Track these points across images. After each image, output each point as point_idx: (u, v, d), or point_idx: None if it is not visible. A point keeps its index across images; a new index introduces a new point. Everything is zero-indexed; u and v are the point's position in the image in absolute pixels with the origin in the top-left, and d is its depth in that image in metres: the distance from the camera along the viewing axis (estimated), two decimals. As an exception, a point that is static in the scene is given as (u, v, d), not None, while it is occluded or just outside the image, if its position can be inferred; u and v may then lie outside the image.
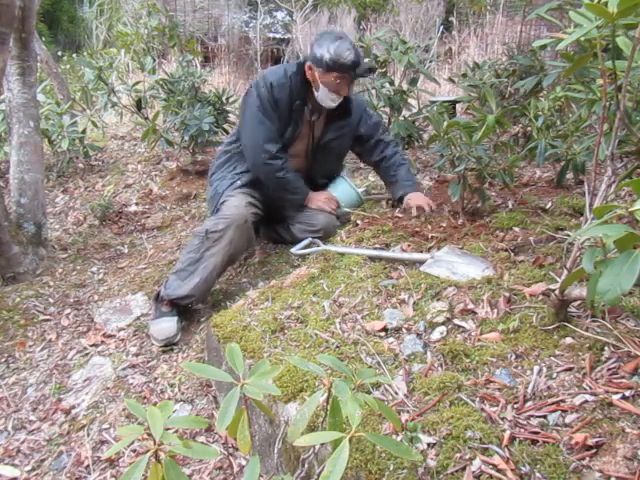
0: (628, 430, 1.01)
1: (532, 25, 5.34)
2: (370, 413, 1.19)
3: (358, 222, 2.33)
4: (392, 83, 3.29)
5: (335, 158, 2.58)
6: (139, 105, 3.75)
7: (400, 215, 2.28)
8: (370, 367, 1.37)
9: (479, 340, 1.40)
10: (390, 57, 3.12)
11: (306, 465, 1.00)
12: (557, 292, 1.31)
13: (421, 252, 1.89)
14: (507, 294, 1.54)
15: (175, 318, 2.10)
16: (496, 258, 1.75)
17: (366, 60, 2.46)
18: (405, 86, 3.29)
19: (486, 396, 1.20)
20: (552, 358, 1.27)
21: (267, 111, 2.26)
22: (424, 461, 1.04)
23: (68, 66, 6.74)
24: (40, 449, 1.69)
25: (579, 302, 1.39)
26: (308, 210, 2.44)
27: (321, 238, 2.27)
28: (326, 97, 2.25)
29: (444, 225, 2.15)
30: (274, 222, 2.58)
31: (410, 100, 3.35)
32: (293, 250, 2.12)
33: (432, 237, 2.07)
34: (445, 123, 1.97)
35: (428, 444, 1.09)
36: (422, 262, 1.81)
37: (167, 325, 2.07)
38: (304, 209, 2.45)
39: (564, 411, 1.11)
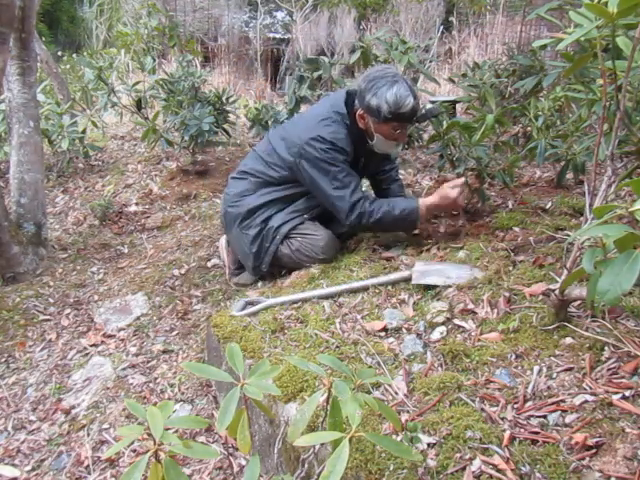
0: (628, 430, 1.01)
1: (532, 25, 5.34)
2: (370, 413, 1.19)
3: None
4: (392, 83, 3.28)
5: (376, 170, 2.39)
6: (139, 105, 3.75)
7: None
8: (370, 367, 1.37)
9: (479, 340, 1.40)
10: (390, 57, 3.12)
11: (306, 465, 1.00)
12: (557, 292, 1.31)
13: (395, 270, 1.84)
14: (507, 294, 1.54)
15: None
16: (496, 258, 1.75)
17: (431, 105, 2.22)
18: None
19: (486, 396, 1.20)
20: (552, 358, 1.27)
21: (336, 160, 2.01)
22: (424, 461, 1.04)
23: (68, 66, 6.74)
24: (40, 449, 1.69)
25: (579, 302, 1.39)
26: None
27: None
28: (383, 145, 2.06)
29: (444, 225, 2.15)
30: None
31: (410, 100, 3.34)
32: (234, 313, 1.82)
33: (431, 238, 2.07)
34: (445, 123, 1.97)
35: (428, 444, 1.09)
36: (403, 280, 1.75)
37: None
38: None
39: (564, 411, 1.11)
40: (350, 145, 2.04)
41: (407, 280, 1.74)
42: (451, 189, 1.97)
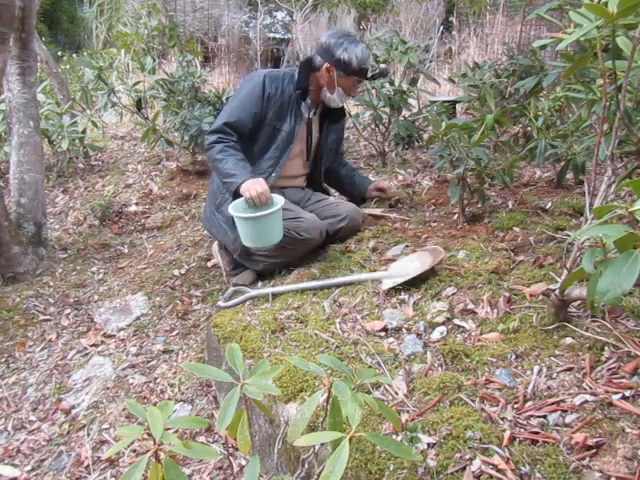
0: (628, 430, 1.01)
1: (532, 25, 5.34)
2: (370, 413, 1.19)
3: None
4: (392, 83, 3.28)
5: (332, 159, 2.54)
6: (139, 105, 3.75)
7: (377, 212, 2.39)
8: (370, 367, 1.37)
9: (479, 340, 1.40)
10: (390, 57, 3.12)
11: (306, 465, 1.00)
12: (557, 292, 1.31)
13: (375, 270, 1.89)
14: (507, 294, 1.54)
15: None
16: (496, 257, 1.75)
17: (382, 65, 2.44)
18: (405, 86, 3.29)
19: (486, 396, 1.20)
20: (552, 358, 1.27)
21: (256, 95, 2.18)
22: (424, 461, 1.04)
23: (68, 66, 6.74)
24: (40, 449, 1.69)
25: (579, 302, 1.39)
26: (326, 202, 2.38)
27: (346, 227, 2.24)
28: (339, 98, 2.23)
29: (444, 225, 2.15)
30: None
31: (410, 100, 3.34)
32: (221, 304, 1.87)
33: (431, 238, 2.07)
34: (444, 124, 1.97)
35: (428, 444, 1.09)
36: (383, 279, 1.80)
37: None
38: (321, 202, 2.38)
39: (564, 411, 1.11)
40: (282, 94, 2.21)
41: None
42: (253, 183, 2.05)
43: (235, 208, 1.96)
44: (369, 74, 2.21)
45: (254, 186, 2.00)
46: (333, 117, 2.39)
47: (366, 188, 2.52)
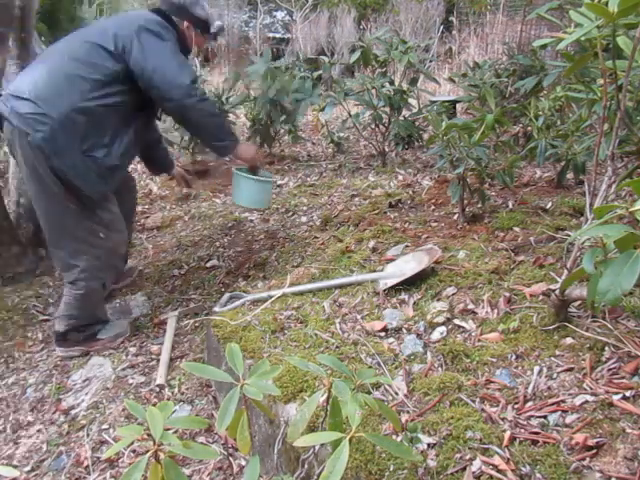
0: (629, 430, 1.01)
1: (532, 25, 5.34)
2: (370, 413, 1.19)
3: (358, 222, 2.33)
4: (392, 83, 3.29)
5: None
6: (139, 105, 3.74)
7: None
8: (370, 367, 1.37)
9: (479, 340, 1.40)
10: (390, 57, 3.12)
11: (306, 465, 1.00)
12: (557, 292, 1.31)
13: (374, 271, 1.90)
14: (507, 294, 1.53)
15: None
16: (497, 257, 1.75)
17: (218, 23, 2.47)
18: (405, 86, 3.29)
19: (486, 396, 1.19)
20: (552, 358, 1.26)
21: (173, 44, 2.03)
22: (424, 461, 1.04)
23: (68, 66, 6.73)
24: (39, 449, 1.69)
25: (579, 302, 1.39)
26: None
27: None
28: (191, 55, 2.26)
29: (444, 225, 2.15)
30: None
31: (410, 100, 3.34)
32: (216, 309, 1.90)
33: (431, 238, 2.07)
34: (444, 124, 1.97)
35: (428, 444, 1.09)
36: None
37: None
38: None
39: (564, 411, 1.11)
40: None
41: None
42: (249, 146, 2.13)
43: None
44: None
45: (252, 149, 2.12)
46: None
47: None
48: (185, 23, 2.11)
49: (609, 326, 1.29)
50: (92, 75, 1.88)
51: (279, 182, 3.42)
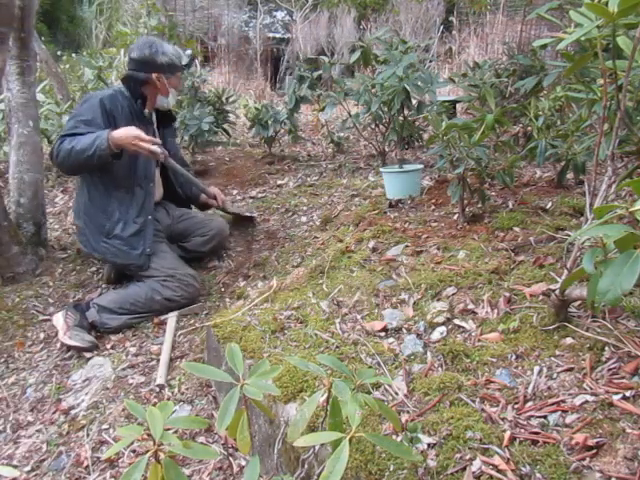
0: (629, 430, 1.01)
1: (532, 25, 5.34)
2: (370, 413, 1.19)
3: (358, 223, 2.33)
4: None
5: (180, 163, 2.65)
6: (139, 105, 3.74)
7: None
8: (370, 367, 1.37)
9: (479, 340, 1.40)
10: (390, 57, 3.11)
11: (306, 465, 1.00)
12: (557, 292, 1.31)
13: None
14: (507, 294, 1.53)
15: None
16: (497, 257, 1.75)
17: (188, 52, 2.63)
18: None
19: (486, 396, 1.19)
20: (552, 358, 1.26)
21: (96, 114, 2.19)
22: (424, 461, 1.04)
23: (67, 66, 6.73)
24: (39, 449, 1.69)
25: (579, 302, 1.39)
26: (196, 219, 2.56)
27: (216, 246, 2.56)
28: (173, 98, 2.41)
29: (444, 225, 2.15)
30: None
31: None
32: None
33: (431, 238, 2.07)
34: (444, 124, 1.97)
35: (428, 444, 1.09)
36: None
37: None
38: (191, 220, 2.55)
39: (564, 411, 1.11)
40: (122, 108, 2.26)
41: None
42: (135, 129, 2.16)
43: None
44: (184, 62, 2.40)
45: (132, 133, 2.11)
46: (166, 121, 2.55)
47: (198, 196, 2.71)
48: (154, 75, 2.29)
49: (609, 326, 1.29)
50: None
51: (279, 182, 3.42)
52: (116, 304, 2.22)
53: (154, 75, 2.28)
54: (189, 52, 2.49)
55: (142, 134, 2.13)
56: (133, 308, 2.23)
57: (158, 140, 2.24)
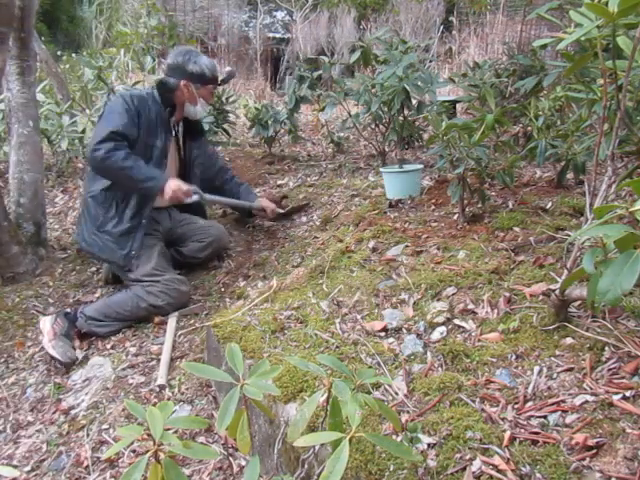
0: (629, 430, 1.01)
1: (532, 25, 5.34)
2: (370, 413, 1.19)
3: (358, 222, 2.33)
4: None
5: (214, 177, 2.72)
6: (139, 105, 3.74)
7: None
8: (370, 367, 1.37)
9: (479, 340, 1.40)
10: (390, 57, 3.11)
11: (306, 465, 1.00)
12: (557, 292, 1.31)
13: None
14: (507, 294, 1.53)
15: None
16: (497, 257, 1.75)
17: (228, 68, 2.70)
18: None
19: (486, 396, 1.19)
20: (552, 358, 1.26)
21: (128, 111, 2.23)
22: (424, 461, 1.04)
23: (67, 66, 6.73)
24: (39, 449, 1.69)
25: (579, 302, 1.39)
26: (196, 225, 2.57)
27: (213, 254, 2.56)
28: (202, 109, 2.43)
29: (444, 225, 2.15)
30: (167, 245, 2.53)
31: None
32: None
33: (431, 238, 2.07)
34: (444, 124, 1.97)
35: (428, 444, 1.09)
36: None
37: None
38: (191, 225, 2.57)
39: (564, 411, 1.11)
40: (149, 112, 2.30)
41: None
42: (183, 184, 2.29)
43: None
44: (220, 79, 2.44)
45: (176, 186, 2.24)
46: (193, 135, 2.56)
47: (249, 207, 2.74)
48: (182, 81, 2.30)
49: (609, 326, 1.29)
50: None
51: (279, 182, 3.42)
52: (101, 314, 2.21)
53: (182, 82, 2.30)
54: (229, 69, 2.53)
55: (186, 190, 2.29)
56: (120, 317, 2.23)
57: (193, 189, 2.35)
